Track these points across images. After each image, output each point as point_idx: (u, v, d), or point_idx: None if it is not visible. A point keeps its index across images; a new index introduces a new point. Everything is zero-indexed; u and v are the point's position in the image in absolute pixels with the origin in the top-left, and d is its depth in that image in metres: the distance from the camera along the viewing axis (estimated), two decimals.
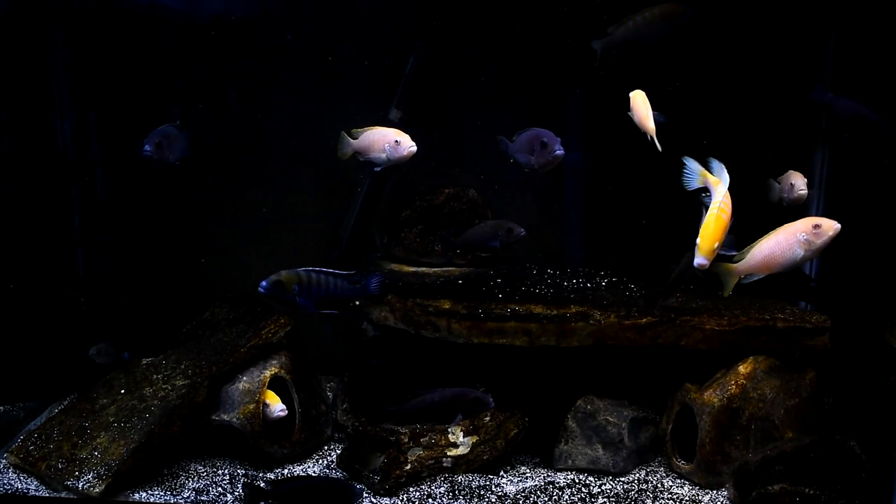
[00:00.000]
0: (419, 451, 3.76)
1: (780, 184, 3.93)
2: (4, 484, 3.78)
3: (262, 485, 3.62)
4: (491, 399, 3.74)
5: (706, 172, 3.37)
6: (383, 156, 3.90)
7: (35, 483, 3.79)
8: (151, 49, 4.81)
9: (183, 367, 4.08)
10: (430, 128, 4.64)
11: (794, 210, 3.88)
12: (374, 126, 3.99)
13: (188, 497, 3.68)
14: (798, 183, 3.81)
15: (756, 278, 3.46)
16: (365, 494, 3.69)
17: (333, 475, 3.89)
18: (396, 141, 3.86)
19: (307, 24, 4.74)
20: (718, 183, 3.35)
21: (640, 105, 3.61)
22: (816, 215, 4.52)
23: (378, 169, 3.97)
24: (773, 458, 3.49)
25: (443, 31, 4.67)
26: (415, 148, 3.86)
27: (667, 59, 4.06)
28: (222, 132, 4.92)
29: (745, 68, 4.50)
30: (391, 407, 3.81)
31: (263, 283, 3.41)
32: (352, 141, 4.01)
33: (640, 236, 4.51)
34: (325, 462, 4.06)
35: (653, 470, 3.98)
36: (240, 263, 4.99)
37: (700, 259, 3.19)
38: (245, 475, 3.81)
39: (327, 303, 3.52)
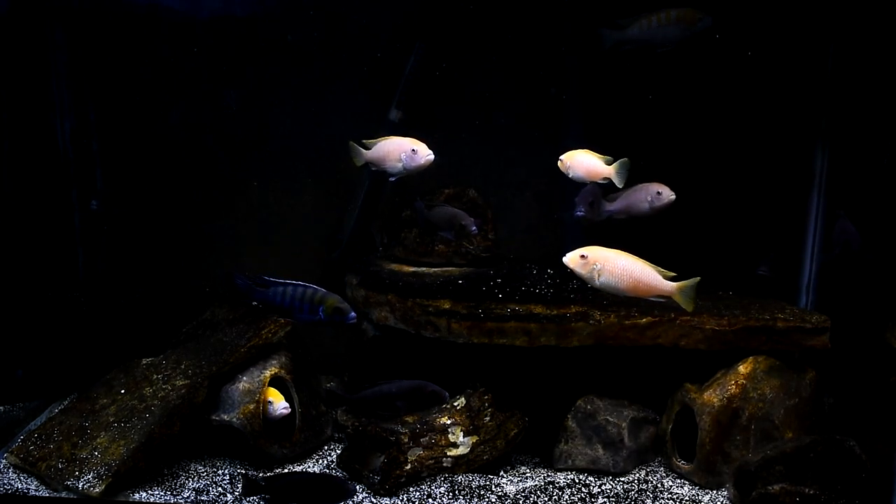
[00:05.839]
0: (419, 451, 3.76)
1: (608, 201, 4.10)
2: (5, 484, 3.78)
3: (259, 480, 3.65)
4: (447, 394, 3.78)
5: None
6: (399, 165, 3.86)
7: (35, 483, 3.79)
8: (151, 49, 4.80)
9: (183, 367, 4.09)
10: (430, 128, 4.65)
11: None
12: (387, 136, 3.96)
13: (188, 497, 3.69)
14: (665, 191, 3.97)
15: None
16: (365, 494, 3.70)
17: (334, 475, 3.89)
18: (413, 150, 3.83)
19: (308, 24, 4.74)
20: None
21: None
22: (816, 216, 4.55)
23: (393, 179, 3.93)
24: (773, 458, 3.49)
25: (443, 32, 4.68)
26: (432, 156, 3.84)
27: (669, 58, 4.07)
28: (222, 132, 4.92)
29: (746, 69, 4.50)
30: (345, 394, 3.85)
31: (353, 315, 3.47)
32: (364, 151, 3.98)
33: (640, 236, 4.50)
34: (325, 462, 4.06)
35: (653, 470, 3.98)
36: (240, 264, 4.99)
37: None
38: (245, 475, 3.81)
39: None
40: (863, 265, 4.17)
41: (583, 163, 3.83)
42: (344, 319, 3.41)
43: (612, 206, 4.10)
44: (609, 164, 3.82)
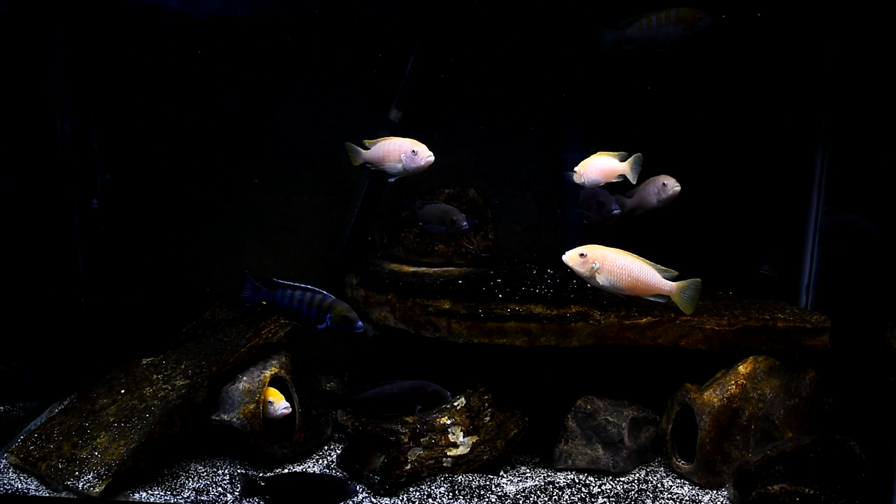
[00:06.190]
0: (419, 451, 3.76)
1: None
2: (4, 484, 3.78)
3: (259, 480, 3.65)
4: (449, 394, 3.78)
5: None
6: (399, 166, 3.83)
7: (35, 483, 3.79)
8: (151, 48, 4.80)
9: (183, 367, 4.09)
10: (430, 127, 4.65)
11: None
12: (387, 136, 3.95)
13: (188, 497, 3.69)
14: (670, 182, 3.98)
15: None
16: (365, 494, 3.70)
17: (334, 475, 3.89)
18: (413, 151, 3.80)
19: (307, 24, 4.74)
20: None
21: None
22: (816, 216, 4.55)
23: (393, 179, 3.91)
24: (773, 458, 3.49)
25: (443, 32, 4.68)
26: (432, 157, 3.81)
27: (670, 58, 4.07)
28: (222, 132, 4.92)
29: (746, 69, 4.50)
30: (348, 395, 3.85)
31: (360, 324, 3.44)
32: (363, 152, 3.96)
33: (639, 236, 4.51)
34: (325, 462, 4.06)
35: (653, 470, 3.98)
36: (240, 264, 5.00)
37: None
38: (245, 475, 3.81)
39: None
40: (872, 257, 4.12)
41: (596, 166, 3.80)
42: (351, 328, 3.41)
43: (629, 202, 4.12)
44: (623, 160, 3.79)
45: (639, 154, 3.77)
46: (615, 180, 3.83)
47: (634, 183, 3.83)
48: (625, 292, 3.57)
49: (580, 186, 3.91)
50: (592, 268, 3.53)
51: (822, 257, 4.60)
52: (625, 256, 3.53)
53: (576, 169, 3.85)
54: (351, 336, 3.44)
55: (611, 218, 4.02)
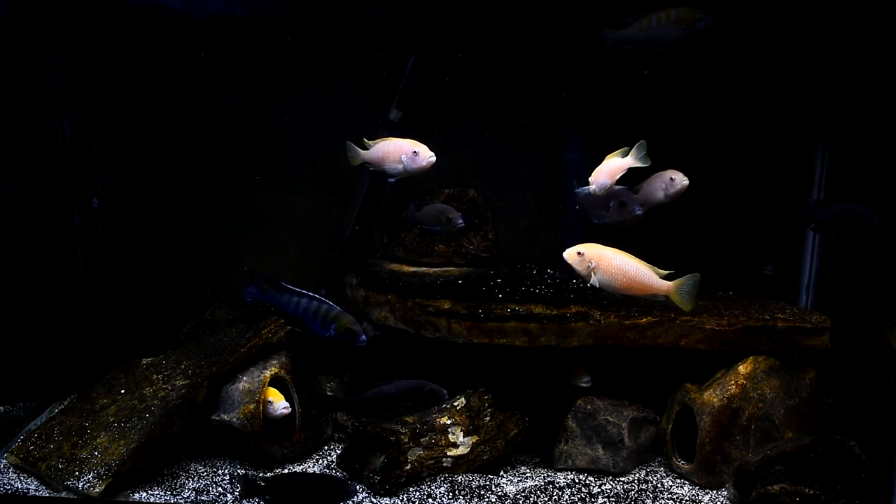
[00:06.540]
0: (419, 451, 3.76)
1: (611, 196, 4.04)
2: (4, 484, 3.78)
3: (258, 481, 3.64)
4: (445, 392, 3.77)
5: None
6: (399, 167, 3.82)
7: (35, 483, 3.79)
8: (151, 49, 4.81)
9: (183, 367, 4.09)
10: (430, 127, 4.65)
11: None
12: (387, 137, 3.94)
13: (188, 497, 3.69)
14: (678, 177, 3.93)
15: None
16: (365, 494, 3.70)
17: (334, 475, 3.89)
18: (415, 152, 3.79)
19: (308, 24, 4.74)
20: None
21: None
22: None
23: (393, 180, 3.90)
24: (773, 458, 3.49)
25: (443, 32, 4.68)
26: (434, 158, 3.80)
27: (669, 57, 4.07)
28: (222, 132, 4.92)
29: (747, 69, 4.51)
30: (346, 397, 3.84)
31: (364, 338, 3.45)
32: (362, 152, 3.95)
33: (639, 236, 4.51)
34: (325, 462, 4.06)
35: (653, 470, 3.98)
36: (240, 264, 5.00)
37: None
38: (244, 476, 3.81)
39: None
40: (873, 246, 4.08)
41: (604, 170, 3.77)
42: (354, 341, 3.42)
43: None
44: (625, 155, 3.76)
45: (641, 142, 3.72)
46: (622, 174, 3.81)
47: (647, 166, 3.76)
48: (621, 292, 3.57)
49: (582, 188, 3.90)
50: (589, 266, 3.53)
51: (822, 257, 4.60)
52: (621, 256, 3.53)
53: (590, 179, 3.81)
54: (353, 348, 3.46)
55: (633, 218, 3.99)
